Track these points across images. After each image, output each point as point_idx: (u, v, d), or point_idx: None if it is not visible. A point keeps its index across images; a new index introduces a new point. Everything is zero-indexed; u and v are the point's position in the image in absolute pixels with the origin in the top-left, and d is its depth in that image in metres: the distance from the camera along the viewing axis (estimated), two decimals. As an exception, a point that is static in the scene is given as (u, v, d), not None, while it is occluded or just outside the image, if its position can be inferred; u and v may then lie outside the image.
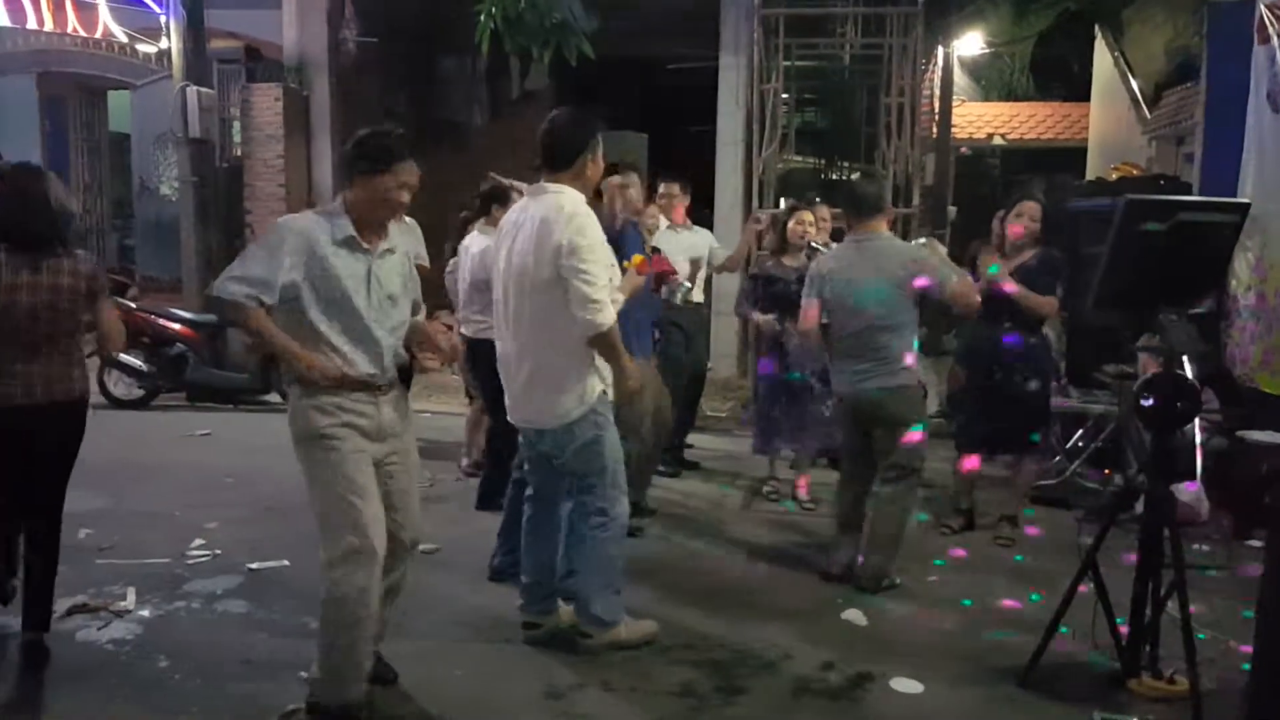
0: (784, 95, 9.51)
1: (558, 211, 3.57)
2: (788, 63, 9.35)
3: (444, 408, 8.62)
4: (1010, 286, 5.11)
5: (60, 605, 4.25)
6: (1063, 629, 3.67)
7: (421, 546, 4.98)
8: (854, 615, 4.34)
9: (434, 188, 9.15)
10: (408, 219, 7.42)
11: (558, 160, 3.72)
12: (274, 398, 8.70)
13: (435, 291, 7.14)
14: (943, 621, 4.34)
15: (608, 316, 3.55)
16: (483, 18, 5.73)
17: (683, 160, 5.13)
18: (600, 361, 3.70)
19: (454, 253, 6.45)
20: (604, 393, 3.74)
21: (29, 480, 3.81)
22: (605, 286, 3.56)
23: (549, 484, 4.00)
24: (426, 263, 7.45)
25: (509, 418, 3.94)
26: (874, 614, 4.37)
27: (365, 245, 3.20)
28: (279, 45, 10.69)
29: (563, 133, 3.75)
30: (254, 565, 4.85)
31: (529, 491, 4.08)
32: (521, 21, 5.69)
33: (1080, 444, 6.50)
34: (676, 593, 4.56)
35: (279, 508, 5.64)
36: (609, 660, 3.85)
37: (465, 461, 6.68)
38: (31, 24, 10.20)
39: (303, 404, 3.18)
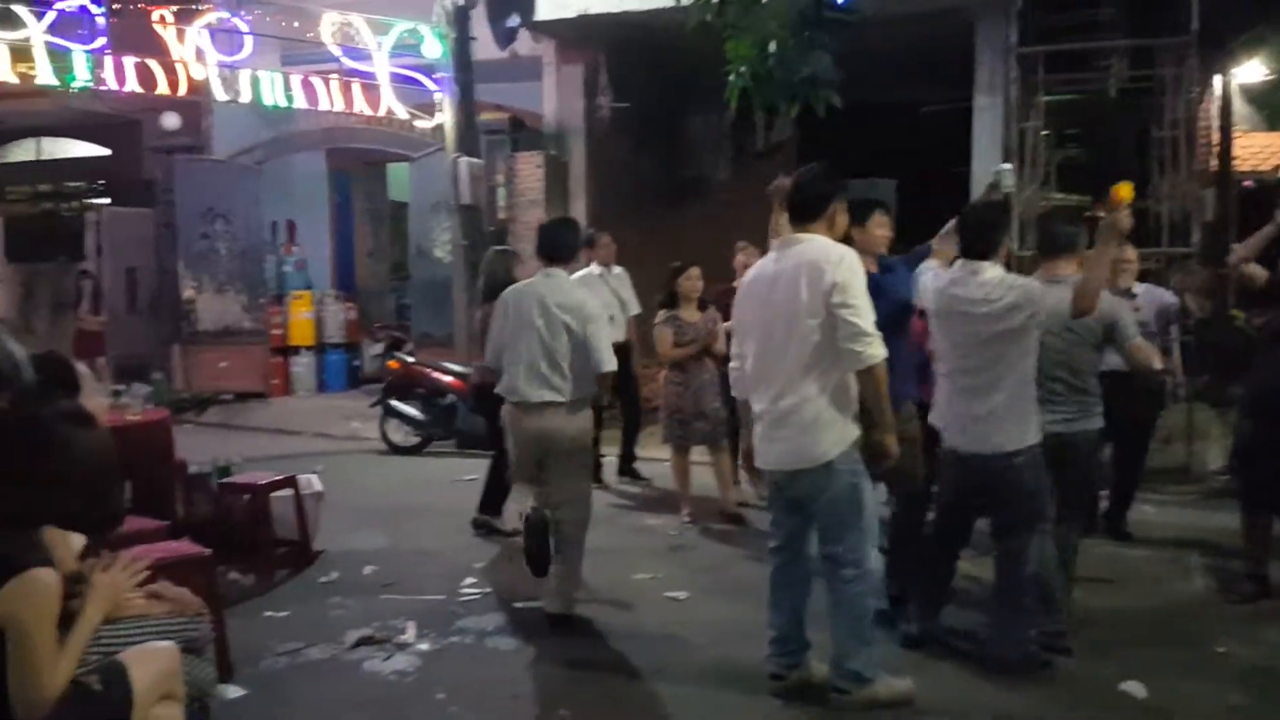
0: (1044, 132, 9.15)
1: (826, 253, 3.67)
2: (1048, 98, 9.02)
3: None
4: None
5: (349, 637, 4.64)
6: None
7: (668, 594, 5.16)
8: (1133, 687, 4.04)
9: (676, 240, 9.41)
10: (617, 268, 7.79)
11: (806, 212, 3.84)
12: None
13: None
14: (1234, 696, 3.98)
15: (878, 351, 3.58)
16: (732, 77, 5.89)
17: (937, 204, 5.04)
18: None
19: (661, 305, 6.66)
20: (856, 442, 3.73)
21: None
22: (873, 323, 3.60)
23: (797, 534, 3.98)
24: (638, 310, 7.73)
25: (756, 462, 3.97)
26: (1156, 686, 4.05)
27: None
28: (540, 115, 11.33)
29: (810, 186, 3.89)
30: (520, 604, 5.09)
31: (773, 543, 4.06)
32: (770, 78, 5.79)
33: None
34: (935, 653, 4.38)
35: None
36: (857, 717, 3.76)
37: (685, 511, 6.70)
38: (324, 105, 11.32)
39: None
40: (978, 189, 9.39)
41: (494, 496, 6.40)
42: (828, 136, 8.84)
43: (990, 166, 9.34)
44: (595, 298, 5.16)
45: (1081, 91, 9.39)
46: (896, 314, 4.24)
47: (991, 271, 4.09)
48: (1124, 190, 4.16)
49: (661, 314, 6.69)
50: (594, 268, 7.72)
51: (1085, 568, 5.37)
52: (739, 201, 11.89)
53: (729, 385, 4.87)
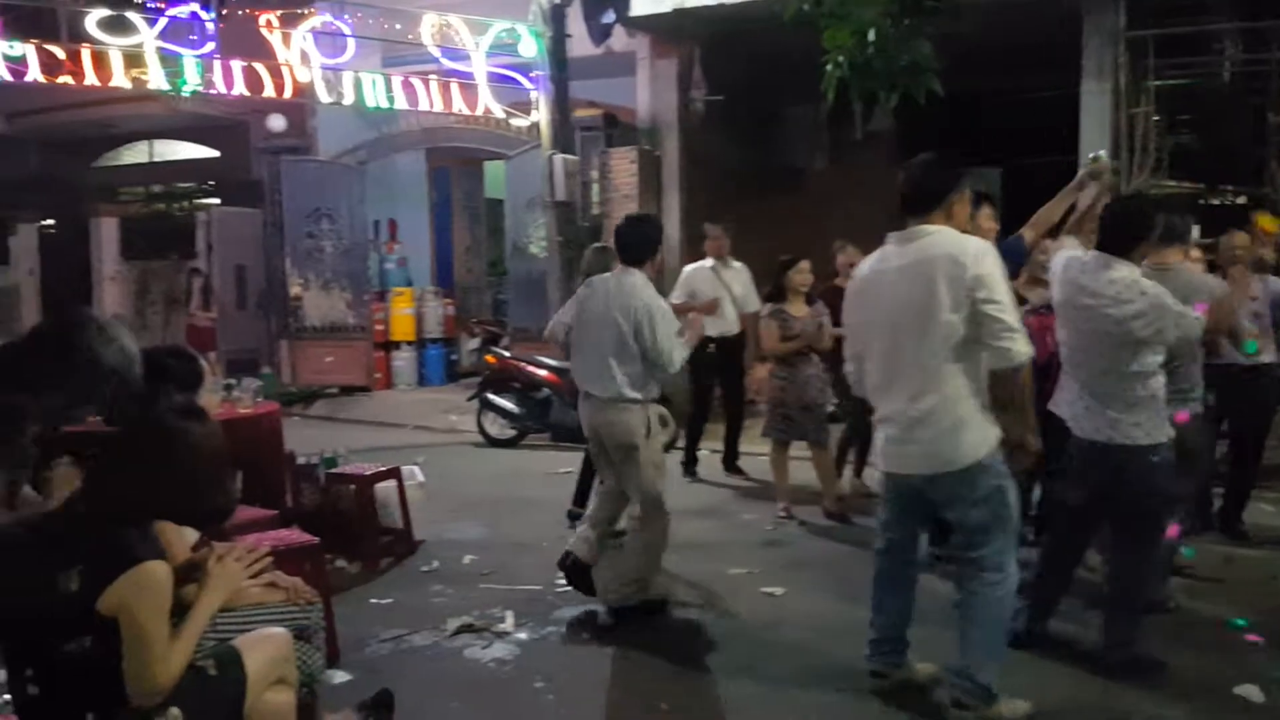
0: (1154, 118, 8.84)
1: (963, 246, 3.47)
2: (1158, 83, 8.71)
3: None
4: None
5: (450, 624, 4.73)
6: None
7: (764, 589, 5.13)
8: (1249, 690, 3.89)
9: (771, 231, 9.34)
10: (736, 263, 7.72)
11: (923, 203, 3.62)
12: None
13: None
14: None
15: (1026, 347, 3.43)
16: (829, 67, 5.81)
17: (1041, 192, 4.90)
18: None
19: (767, 298, 6.58)
20: (999, 441, 3.56)
21: None
22: (1018, 317, 3.46)
23: (909, 539, 3.88)
24: (756, 306, 7.67)
25: (883, 467, 3.82)
26: (1273, 689, 3.89)
27: None
28: (634, 110, 11.37)
29: (926, 177, 3.67)
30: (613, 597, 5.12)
31: (880, 545, 3.97)
32: (869, 67, 5.70)
33: None
34: (1057, 657, 4.25)
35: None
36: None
37: (781, 505, 6.64)
38: (424, 106, 11.55)
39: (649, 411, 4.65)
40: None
41: (588, 489, 6.45)
42: (928, 125, 8.69)
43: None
44: (686, 291, 5.09)
45: (1194, 76, 9.05)
46: None
47: (1123, 270, 3.91)
48: (1266, 222, 3.97)
49: (768, 307, 6.60)
50: (706, 260, 7.71)
51: (1199, 568, 5.22)
52: (836, 193, 11.78)
53: (837, 382, 4.76)
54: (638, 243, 4.86)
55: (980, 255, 3.44)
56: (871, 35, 5.64)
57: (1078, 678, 4.05)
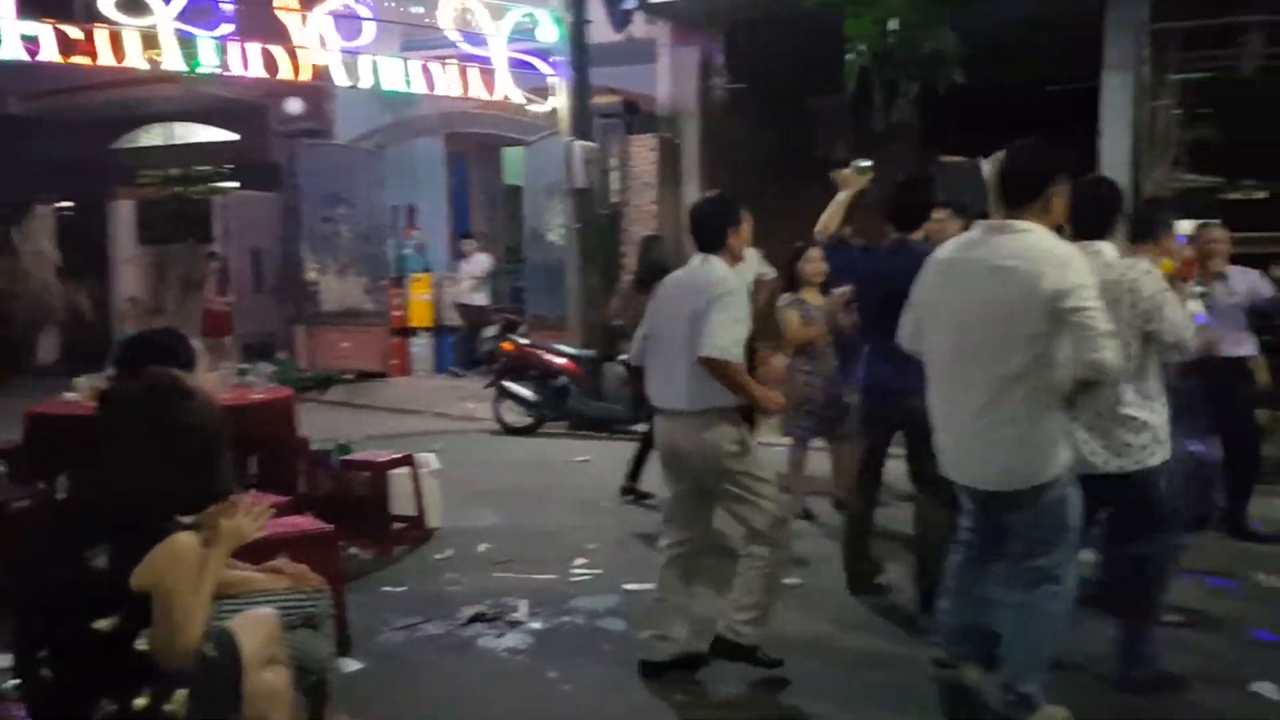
0: (1175, 111, 8.76)
1: (1042, 254, 3.20)
2: (1179, 76, 8.62)
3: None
4: None
5: (463, 613, 4.72)
6: None
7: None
8: (1266, 688, 3.85)
9: (795, 222, 9.29)
10: (748, 250, 7.62)
11: (1017, 195, 3.35)
12: (644, 428, 9.12)
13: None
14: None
15: (1116, 359, 3.16)
16: (851, 56, 5.76)
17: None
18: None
19: (784, 288, 6.29)
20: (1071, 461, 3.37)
21: None
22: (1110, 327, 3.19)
23: (991, 541, 3.56)
24: (773, 273, 7.58)
25: (948, 473, 3.52)
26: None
27: None
28: (654, 97, 11.32)
29: (1024, 165, 3.41)
30: (630, 586, 5.08)
31: (963, 536, 3.65)
32: (891, 56, 5.65)
33: None
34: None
35: (651, 533, 5.91)
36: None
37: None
38: (442, 90, 11.52)
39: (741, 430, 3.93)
40: (1107, 169, 9.05)
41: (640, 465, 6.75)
42: (951, 117, 8.62)
43: (1119, 146, 9.03)
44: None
45: (1217, 69, 8.95)
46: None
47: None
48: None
49: (785, 297, 6.25)
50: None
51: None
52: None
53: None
54: (711, 224, 4.13)
55: (1064, 263, 3.18)
56: (894, 24, 5.59)
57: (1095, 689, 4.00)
